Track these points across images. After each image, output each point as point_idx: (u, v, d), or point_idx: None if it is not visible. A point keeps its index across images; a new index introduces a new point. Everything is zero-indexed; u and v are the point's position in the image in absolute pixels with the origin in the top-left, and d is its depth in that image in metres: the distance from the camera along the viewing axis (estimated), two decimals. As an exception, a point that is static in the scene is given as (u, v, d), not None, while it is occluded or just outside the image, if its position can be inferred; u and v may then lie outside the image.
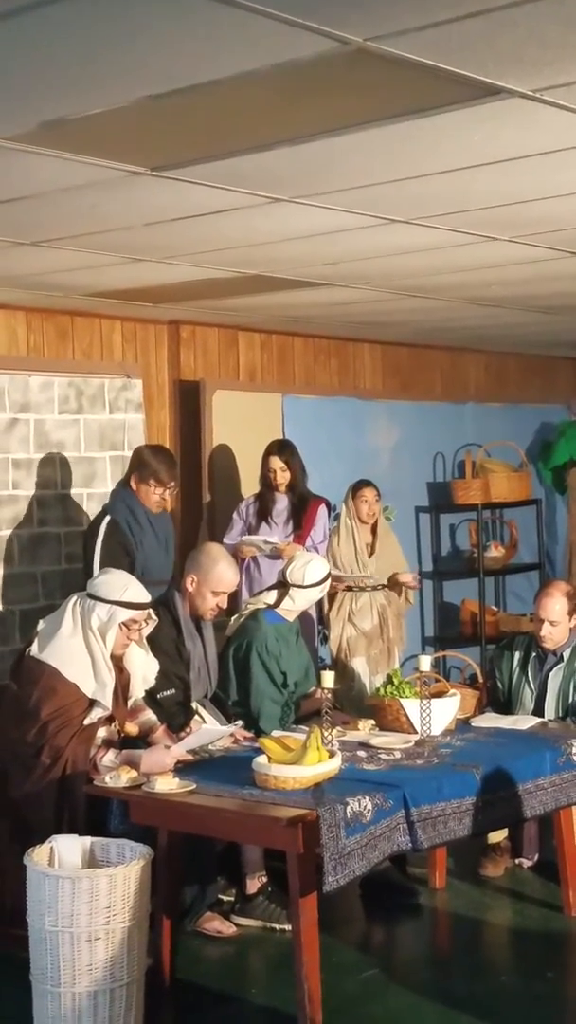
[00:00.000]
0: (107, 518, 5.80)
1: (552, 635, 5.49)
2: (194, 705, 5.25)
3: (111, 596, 4.69)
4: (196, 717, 5.16)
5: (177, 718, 5.04)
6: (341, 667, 6.59)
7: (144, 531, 5.80)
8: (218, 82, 2.88)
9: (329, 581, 5.72)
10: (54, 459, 6.48)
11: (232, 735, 5.01)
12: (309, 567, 5.54)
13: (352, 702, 6.30)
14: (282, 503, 6.71)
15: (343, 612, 6.71)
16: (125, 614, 4.68)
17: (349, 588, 6.71)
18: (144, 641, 4.90)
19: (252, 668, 5.37)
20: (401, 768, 4.59)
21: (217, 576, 5.14)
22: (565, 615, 5.48)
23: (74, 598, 4.79)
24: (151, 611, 4.85)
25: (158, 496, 5.88)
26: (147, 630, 4.88)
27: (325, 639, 6.81)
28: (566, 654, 5.52)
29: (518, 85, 2.96)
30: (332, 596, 6.68)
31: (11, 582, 6.28)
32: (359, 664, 6.65)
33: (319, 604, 6.63)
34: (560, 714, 5.48)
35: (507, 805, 4.65)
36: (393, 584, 6.76)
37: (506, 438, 8.94)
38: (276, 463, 6.67)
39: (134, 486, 5.89)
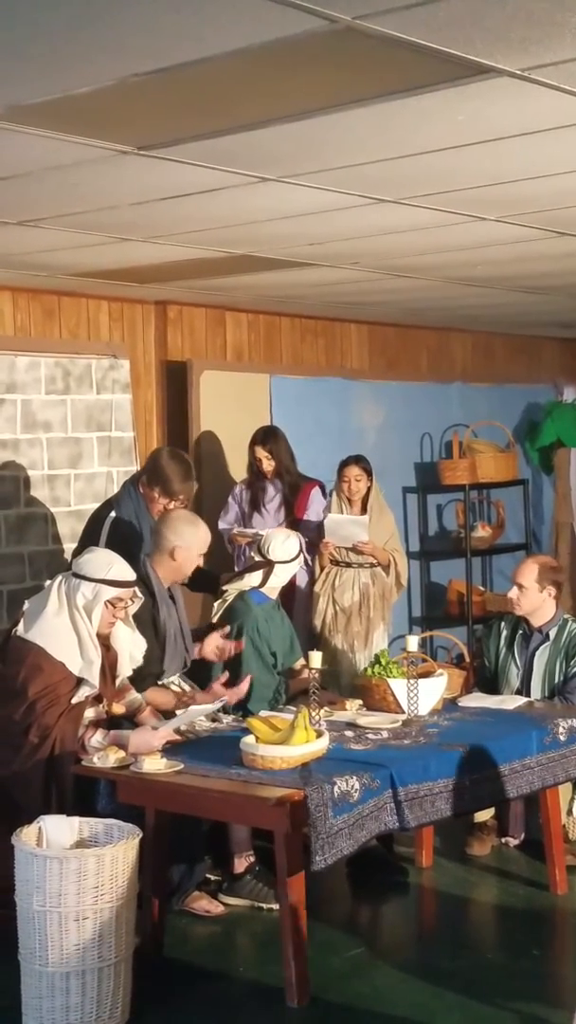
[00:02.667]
0: (112, 515, 5.61)
1: (519, 600, 5.48)
2: (176, 680, 5.26)
3: (96, 574, 4.69)
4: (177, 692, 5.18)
5: (141, 686, 5.02)
6: (324, 643, 6.60)
7: (144, 538, 5.59)
8: (205, 60, 2.86)
9: (302, 555, 5.76)
10: (41, 439, 6.46)
11: (220, 719, 5.01)
12: (289, 542, 5.58)
13: (330, 679, 6.30)
14: (273, 490, 6.71)
15: (327, 587, 6.70)
16: (110, 592, 4.68)
17: (336, 563, 6.70)
18: (130, 619, 4.90)
19: (244, 653, 5.36)
20: (388, 748, 4.61)
21: (203, 538, 5.23)
22: (535, 583, 5.47)
23: (59, 578, 4.79)
24: (136, 589, 4.86)
25: (161, 507, 5.55)
26: (133, 608, 4.89)
27: None
28: (552, 633, 5.54)
29: (506, 64, 2.95)
30: (320, 569, 6.69)
31: (-2, 562, 6.27)
32: (338, 641, 6.64)
33: (311, 576, 6.66)
34: (546, 693, 5.50)
35: (493, 784, 4.67)
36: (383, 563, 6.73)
37: (493, 418, 8.95)
38: (260, 452, 6.68)
39: (142, 489, 5.64)
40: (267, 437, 6.74)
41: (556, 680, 5.50)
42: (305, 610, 6.71)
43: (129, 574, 4.78)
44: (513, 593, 5.52)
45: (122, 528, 5.57)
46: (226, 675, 5.20)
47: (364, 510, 6.73)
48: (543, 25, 2.70)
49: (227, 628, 5.34)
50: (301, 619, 6.58)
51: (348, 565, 6.69)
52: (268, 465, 6.66)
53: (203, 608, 6.32)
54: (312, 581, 6.72)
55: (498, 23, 2.69)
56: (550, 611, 5.55)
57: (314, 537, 6.62)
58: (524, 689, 5.53)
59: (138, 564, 5.18)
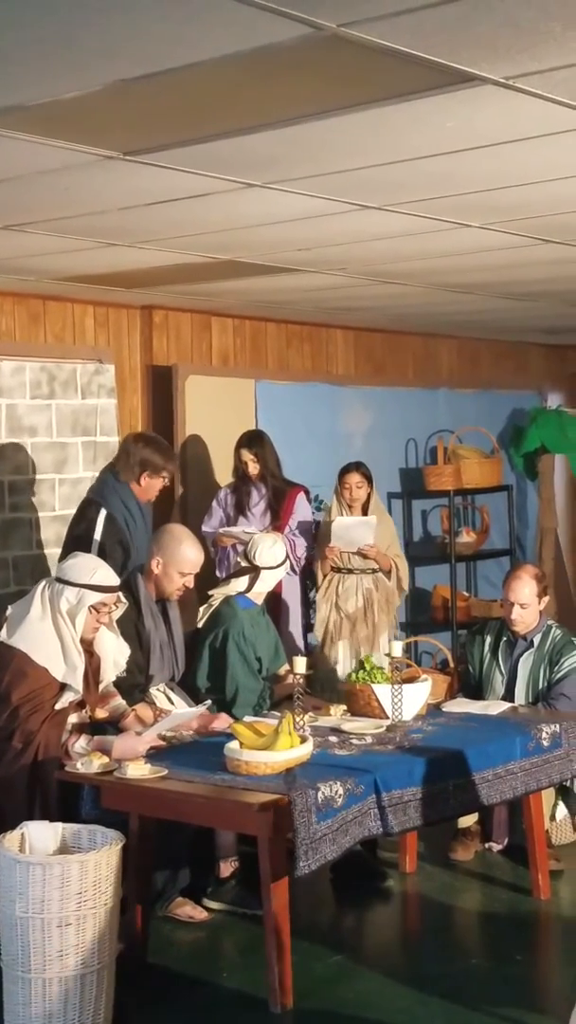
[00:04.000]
0: (103, 512, 5.60)
1: (523, 618, 5.51)
2: (162, 688, 5.25)
3: (80, 579, 4.68)
4: (164, 701, 5.17)
5: (129, 699, 5.02)
6: (329, 649, 6.61)
7: (137, 524, 5.67)
8: (191, 67, 2.86)
9: (288, 561, 5.75)
10: (26, 444, 6.45)
11: (204, 723, 5.00)
12: (276, 548, 5.58)
13: (333, 685, 6.31)
14: (258, 495, 6.71)
15: (330, 594, 6.71)
16: (94, 597, 4.67)
17: (337, 569, 6.70)
18: (114, 625, 4.89)
19: (229, 657, 5.36)
20: (372, 753, 4.61)
21: (183, 556, 5.16)
22: (534, 597, 5.50)
23: (43, 583, 4.78)
24: (120, 594, 4.85)
25: (159, 486, 5.76)
26: (117, 613, 4.88)
27: (311, 627, 6.81)
28: (536, 639, 5.55)
29: (492, 72, 2.96)
30: (322, 576, 6.70)
31: (-18, 567, 6.26)
32: (343, 647, 6.65)
33: (306, 587, 6.66)
34: (530, 699, 5.51)
35: (477, 790, 4.68)
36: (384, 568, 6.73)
37: (478, 424, 8.97)
38: (246, 456, 6.68)
39: (143, 482, 5.69)
40: (253, 441, 6.75)
41: (540, 686, 5.51)
42: (289, 617, 6.70)
43: (113, 579, 4.77)
44: (516, 613, 5.49)
45: (116, 523, 5.59)
46: (208, 701, 5.16)
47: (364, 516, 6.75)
48: (528, 34, 2.71)
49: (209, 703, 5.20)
50: (285, 626, 6.59)
51: (350, 571, 6.70)
52: (254, 468, 6.67)
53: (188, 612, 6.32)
54: (305, 588, 6.72)
55: (484, 31, 2.70)
56: (535, 618, 5.57)
57: (307, 541, 6.63)
58: (508, 695, 5.54)
59: (137, 558, 5.18)
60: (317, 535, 6.70)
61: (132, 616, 5.12)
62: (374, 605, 6.68)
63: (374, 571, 6.69)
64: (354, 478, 6.72)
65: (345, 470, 6.77)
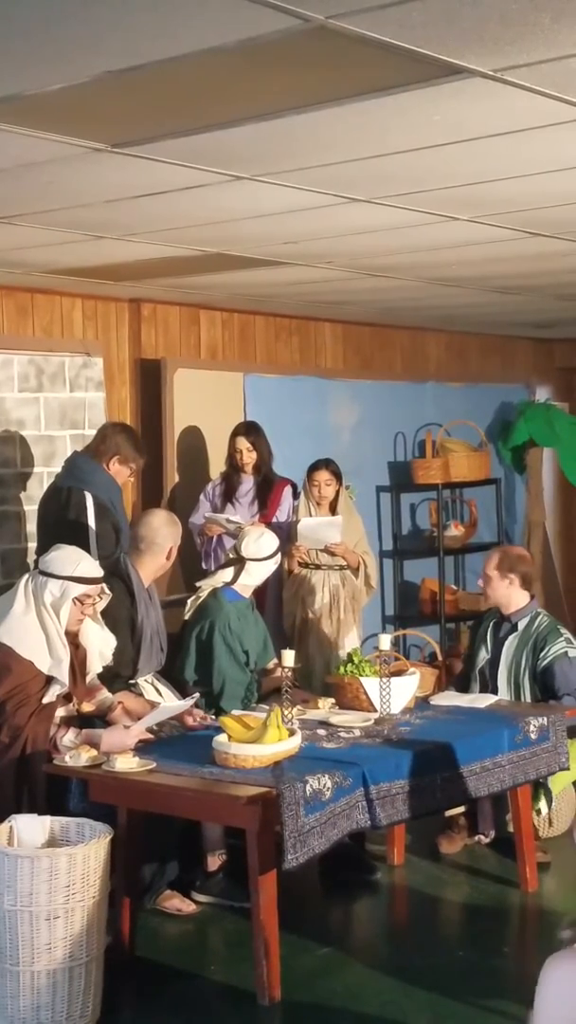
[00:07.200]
0: (91, 497, 5.61)
1: (484, 590, 5.63)
2: (150, 679, 5.26)
3: (63, 572, 4.67)
4: (152, 693, 5.18)
5: (111, 687, 5.02)
6: (295, 646, 6.58)
7: (118, 503, 5.77)
8: (179, 59, 2.86)
9: (279, 555, 5.75)
10: (14, 437, 6.44)
11: (192, 716, 5.00)
12: (263, 540, 5.56)
13: (302, 682, 6.29)
14: (247, 484, 6.72)
15: (297, 588, 6.69)
16: (78, 589, 4.66)
17: (304, 565, 6.68)
18: (99, 616, 4.89)
19: (216, 650, 5.35)
20: (360, 746, 4.62)
21: (165, 535, 5.28)
22: (495, 570, 5.54)
23: (26, 576, 4.77)
24: (104, 586, 4.84)
25: (129, 472, 5.90)
26: (101, 605, 4.87)
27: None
28: (521, 624, 5.57)
29: (479, 65, 2.96)
30: (288, 572, 6.68)
31: (-30, 561, 6.25)
32: (309, 644, 6.62)
33: (279, 579, 6.64)
34: (511, 681, 5.49)
35: (465, 782, 4.69)
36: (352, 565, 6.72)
37: (466, 417, 8.97)
38: (243, 444, 6.69)
39: (116, 466, 5.79)
40: (250, 428, 6.79)
41: (522, 669, 5.50)
42: (276, 610, 6.69)
43: (96, 570, 4.77)
44: (480, 583, 5.67)
45: (104, 505, 5.62)
46: (196, 695, 5.17)
47: (333, 514, 6.72)
48: (516, 26, 2.71)
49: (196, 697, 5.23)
50: (273, 619, 6.58)
51: (317, 567, 6.68)
52: (249, 457, 6.67)
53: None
54: (280, 583, 6.71)
55: (471, 24, 2.69)
56: (519, 601, 5.58)
57: (282, 537, 6.61)
58: (492, 671, 5.55)
59: (122, 559, 5.20)
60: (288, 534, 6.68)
61: (127, 603, 5.12)
62: (340, 602, 6.65)
63: (341, 568, 6.67)
64: (323, 475, 6.69)
65: (314, 467, 6.73)
